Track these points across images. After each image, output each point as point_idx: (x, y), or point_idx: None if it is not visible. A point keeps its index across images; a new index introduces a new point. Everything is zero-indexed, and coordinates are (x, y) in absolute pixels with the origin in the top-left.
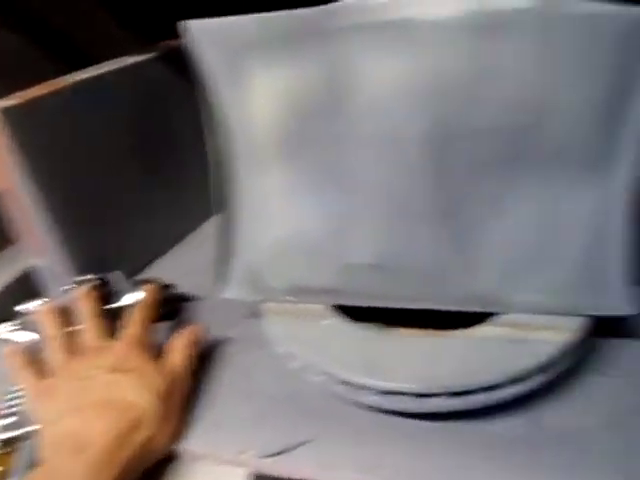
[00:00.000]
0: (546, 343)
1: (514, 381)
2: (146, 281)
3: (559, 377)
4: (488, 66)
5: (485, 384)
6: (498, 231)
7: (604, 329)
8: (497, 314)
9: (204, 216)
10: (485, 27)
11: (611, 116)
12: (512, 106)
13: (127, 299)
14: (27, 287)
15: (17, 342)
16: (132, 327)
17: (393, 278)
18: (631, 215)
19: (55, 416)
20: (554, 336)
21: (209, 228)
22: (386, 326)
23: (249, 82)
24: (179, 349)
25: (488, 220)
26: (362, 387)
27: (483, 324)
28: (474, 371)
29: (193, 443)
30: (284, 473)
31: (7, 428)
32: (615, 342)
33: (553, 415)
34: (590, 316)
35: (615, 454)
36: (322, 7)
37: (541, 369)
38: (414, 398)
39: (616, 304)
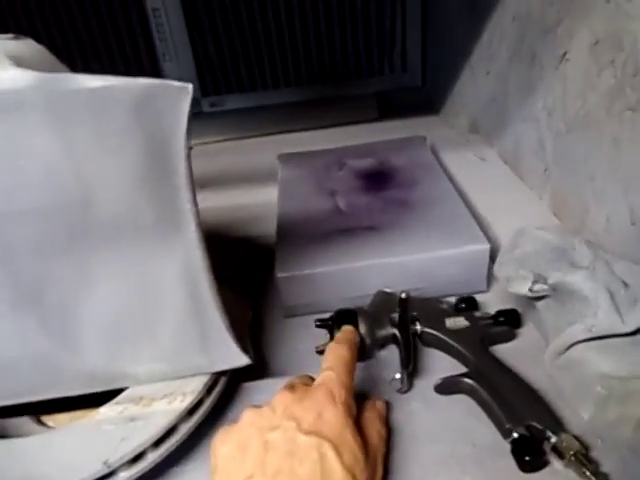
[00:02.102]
0: (162, 414)
1: (126, 464)
2: None
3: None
4: (9, 147)
5: (88, 479)
6: (94, 308)
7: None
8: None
9: None
10: None
11: (158, 183)
12: (54, 185)
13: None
14: None
15: None
16: (337, 376)
17: None
18: (211, 269)
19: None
20: (170, 405)
21: None
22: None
23: None
24: (377, 427)
25: (80, 300)
26: None
27: (106, 405)
28: (75, 467)
29: None
30: None
31: None
32: (260, 383)
33: None
34: (211, 373)
35: None
36: None
37: (156, 443)
38: None
39: (229, 358)
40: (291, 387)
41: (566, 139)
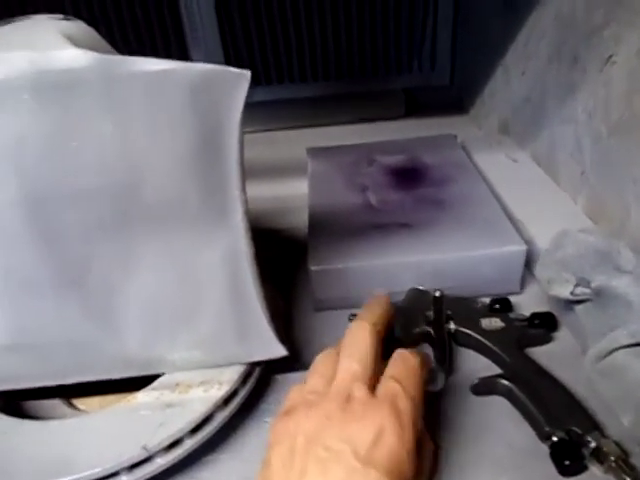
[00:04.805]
0: (199, 401)
1: (163, 450)
2: None
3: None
4: (63, 127)
5: (126, 463)
6: (135, 293)
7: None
8: (161, 375)
9: None
10: (45, 87)
11: (208, 169)
12: (105, 167)
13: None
14: None
15: None
16: (404, 389)
17: (33, 356)
18: (255, 258)
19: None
20: (207, 393)
21: None
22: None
23: None
24: (431, 445)
25: (122, 283)
26: None
27: (142, 390)
28: (113, 451)
29: None
30: None
31: None
32: (293, 376)
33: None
34: (247, 363)
35: None
36: None
37: (193, 430)
38: None
39: (266, 348)
40: (347, 397)
41: (607, 142)
